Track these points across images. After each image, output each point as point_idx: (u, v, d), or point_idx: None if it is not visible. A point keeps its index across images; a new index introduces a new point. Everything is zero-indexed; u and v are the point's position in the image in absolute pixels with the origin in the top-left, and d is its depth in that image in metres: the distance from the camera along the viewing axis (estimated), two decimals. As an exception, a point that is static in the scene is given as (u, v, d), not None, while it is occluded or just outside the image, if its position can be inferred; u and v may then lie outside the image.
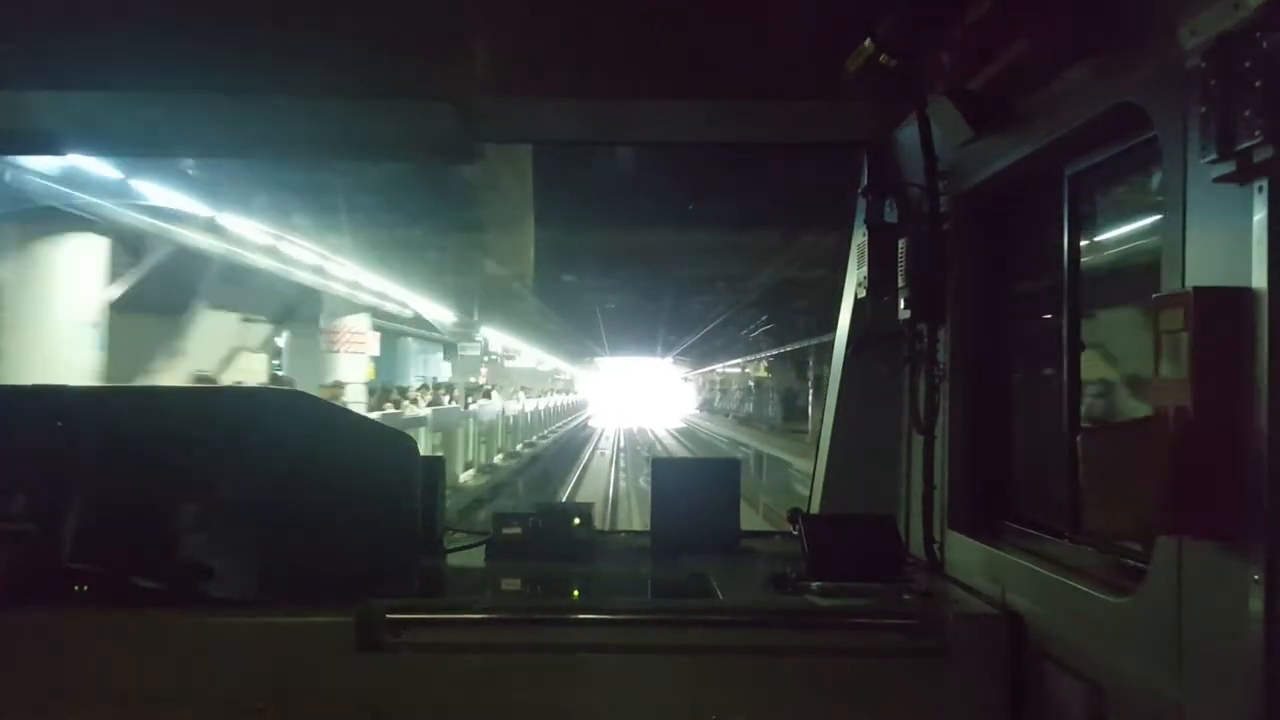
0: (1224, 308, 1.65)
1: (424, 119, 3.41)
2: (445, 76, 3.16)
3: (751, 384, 55.66)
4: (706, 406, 78.97)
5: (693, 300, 34.06)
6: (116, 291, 14.43)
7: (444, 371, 39.28)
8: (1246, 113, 1.55)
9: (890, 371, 3.41)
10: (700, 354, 61.53)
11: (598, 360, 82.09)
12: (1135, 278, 2.36)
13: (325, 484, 2.73)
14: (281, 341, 25.61)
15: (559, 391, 73.72)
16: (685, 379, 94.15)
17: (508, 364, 48.20)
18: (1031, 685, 2.43)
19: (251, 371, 21.14)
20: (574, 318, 40.08)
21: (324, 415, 3.15)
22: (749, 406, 55.87)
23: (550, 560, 3.21)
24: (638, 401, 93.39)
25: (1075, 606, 2.24)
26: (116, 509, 2.71)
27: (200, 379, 16.94)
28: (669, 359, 72.94)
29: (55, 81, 3.10)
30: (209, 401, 3.34)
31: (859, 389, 3.72)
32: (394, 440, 3.05)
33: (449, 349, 36.50)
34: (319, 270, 19.70)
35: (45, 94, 3.19)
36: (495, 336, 38.97)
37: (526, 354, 52.86)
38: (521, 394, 44.95)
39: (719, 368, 67.12)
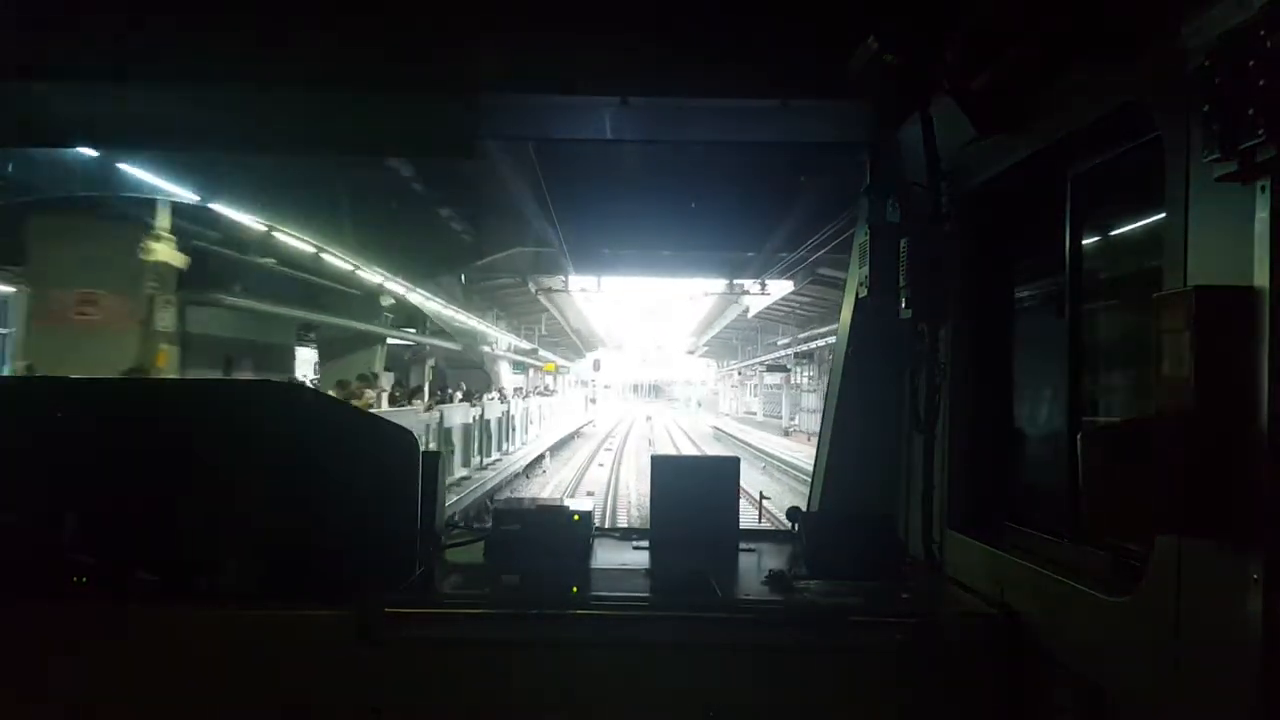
0: (1226, 307, 1.65)
1: (430, 115, 3.41)
2: (451, 73, 3.16)
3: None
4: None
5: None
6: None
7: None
8: (1249, 112, 1.55)
9: (890, 371, 3.40)
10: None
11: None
12: (1136, 277, 2.36)
13: (326, 478, 2.73)
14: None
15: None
16: (740, 371, 61.23)
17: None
18: (1029, 684, 2.43)
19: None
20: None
21: (325, 409, 3.15)
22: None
23: (549, 557, 3.21)
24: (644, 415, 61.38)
25: (1073, 606, 2.24)
26: (116, 501, 2.71)
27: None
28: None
29: (66, 75, 3.10)
30: (211, 394, 3.33)
31: (859, 389, 3.72)
32: (395, 435, 3.05)
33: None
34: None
35: (58, 86, 3.20)
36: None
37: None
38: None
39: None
